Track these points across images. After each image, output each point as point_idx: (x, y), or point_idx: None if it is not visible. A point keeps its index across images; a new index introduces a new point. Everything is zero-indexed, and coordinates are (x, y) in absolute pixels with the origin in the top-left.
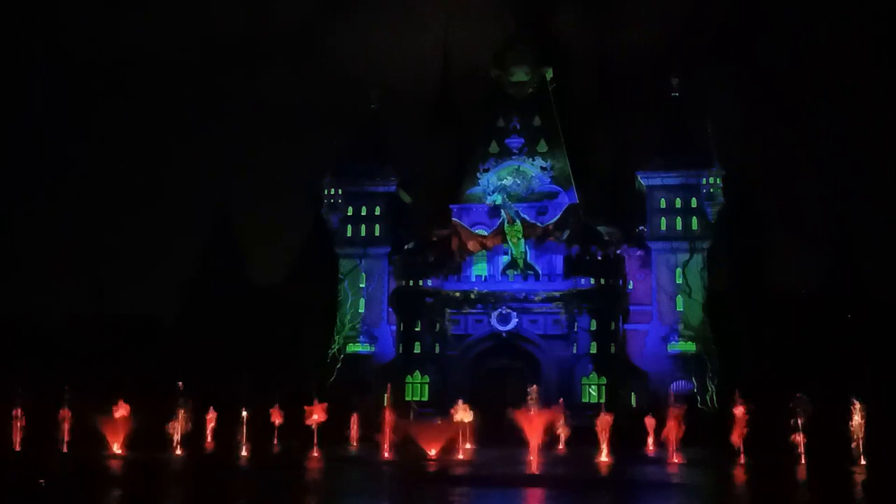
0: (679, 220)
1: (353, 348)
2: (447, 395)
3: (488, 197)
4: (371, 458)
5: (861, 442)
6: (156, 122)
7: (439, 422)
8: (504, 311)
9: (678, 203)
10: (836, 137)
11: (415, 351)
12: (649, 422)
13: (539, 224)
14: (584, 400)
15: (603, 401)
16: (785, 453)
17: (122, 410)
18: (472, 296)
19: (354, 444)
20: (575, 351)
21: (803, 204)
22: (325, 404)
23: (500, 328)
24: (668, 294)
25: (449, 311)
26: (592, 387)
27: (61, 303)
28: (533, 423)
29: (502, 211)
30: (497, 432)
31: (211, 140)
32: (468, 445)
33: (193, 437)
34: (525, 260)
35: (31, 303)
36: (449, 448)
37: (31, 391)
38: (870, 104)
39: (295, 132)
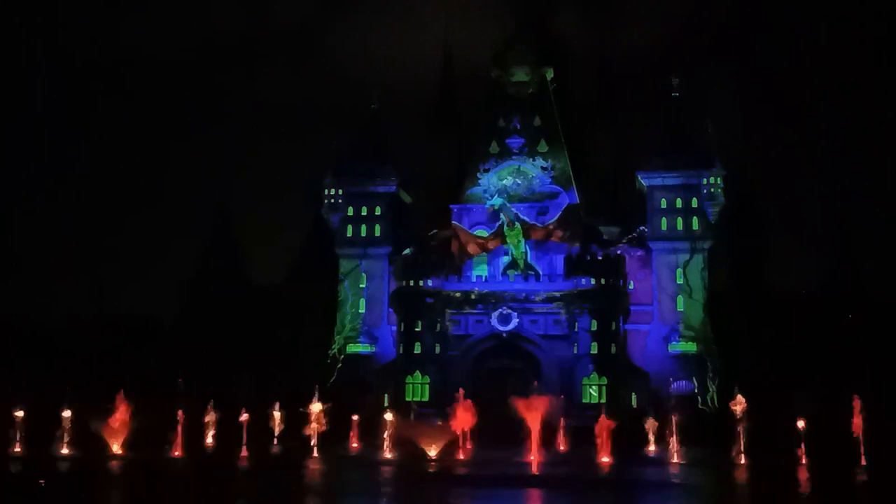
0: (680, 221)
1: (353, 348)
2: (448, 395)
3: (488, 202)
4: (371, 458)
5: (862, 441)
6: (156, 122)
7: (440, 422)
8: (504, 312)
9: (679, 203)
10: (836, 137)
11: (415, 351)
12: (650, 426)
13: (539, 224)
14: (584, 400)
15: (604, 401)
16: (785, 453)
17: (121, 411)
18: (473, 296)
19: (355, 444)
20: (575, 351)
21: (803, 204)
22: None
23: (501, 328)
24: (669, 294)
25: (449, 311)
26: (593, 387)
27: (61, 303)
28: (532, 411)
29: (501, 214)
30: (497, 432)
31: (211, 140)
32: (468, 445)
33: (193, 438)
34: (525, 260)
35: (31, 303)
36: (449, 448)
37: (32, 391)
38: (870, 104)
39: (295, 132)
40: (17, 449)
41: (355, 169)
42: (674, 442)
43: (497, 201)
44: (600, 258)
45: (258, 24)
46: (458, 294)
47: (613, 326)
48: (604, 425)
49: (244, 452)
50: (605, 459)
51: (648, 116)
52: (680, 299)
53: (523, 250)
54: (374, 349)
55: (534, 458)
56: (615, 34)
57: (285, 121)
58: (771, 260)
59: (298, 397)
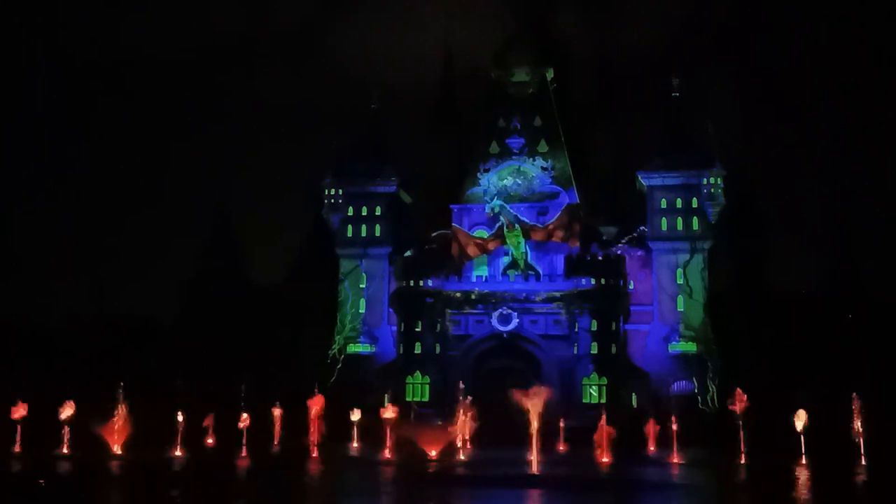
0: (680, 221)
1: (353, 349)
2: (448, 395)
3: (487, 205)
4: (371, 457)
5: (862, 441)
6: (156, 122)
7: (440, 423)
8: (505, 312)
9: (679, 203)
10: (836, 137)
11: (415, 351)
12: (650, 429)
13: (540, 224)
14: (584, 400)
15: (604, 401)
16: (785, 453)
17: (121, 411)
18: (473, 296)
19: (355, 444)
20: (576, 351)
21: (803, 204)
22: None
23: (501, 328)
24: (669, 294)
25: (450, 311)
26: (593, 387)
27: (61, 303)
28: (533, 398)
29: (500, 216)
30: (498, 432)
31: (211, 140)
32: (469, 446)
33: (193, 437)
34: (526, 260)
35: (31, 303)
36: (449, 448)
37: (32, 391)
38: (870, 104)
39: (295, 132)
40: (17, 449)
41: (355, 169)
42: (674, 442)
43: (496, 204)
44: (600, 258)
45: (258, 24)
46: (458, 294)
47: (613, 326)
48: (603, 432)
49: (244, 452)
50: (605, 459)
51: (648, 116)
52: (680, 299)
53: (523, 251)
54: (374, 349)
55: (534, 458)
56: (615, 34)
57: (285, 121)
58: (771, 260)
59: (298, 397)
